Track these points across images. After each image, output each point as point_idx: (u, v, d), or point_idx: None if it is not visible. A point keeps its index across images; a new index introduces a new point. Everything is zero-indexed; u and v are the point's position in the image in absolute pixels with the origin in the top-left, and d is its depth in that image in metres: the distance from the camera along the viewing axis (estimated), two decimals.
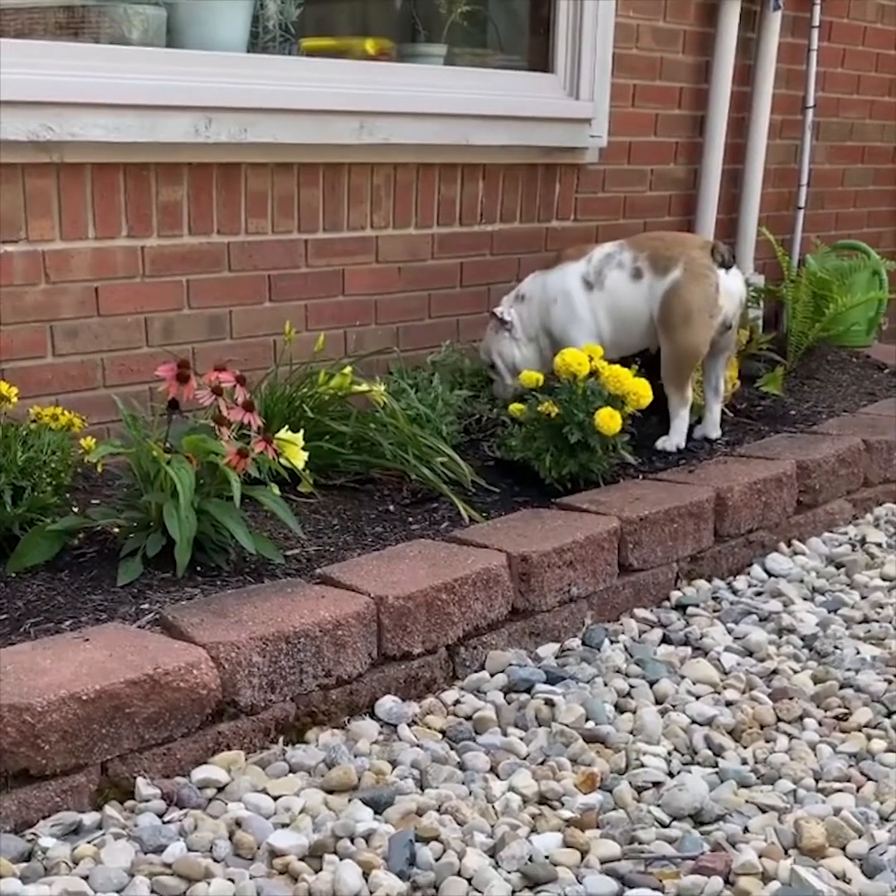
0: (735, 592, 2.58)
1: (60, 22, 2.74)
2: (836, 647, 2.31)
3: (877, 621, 2.44)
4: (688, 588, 2.56)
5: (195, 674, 1.76)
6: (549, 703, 2.03)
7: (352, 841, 1.62)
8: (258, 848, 1.61)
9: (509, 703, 2.06)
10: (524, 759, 1.90)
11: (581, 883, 1.58)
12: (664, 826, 1.73)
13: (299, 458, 2.24)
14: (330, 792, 1.76)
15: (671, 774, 1.87)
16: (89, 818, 1.66)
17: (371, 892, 1.53)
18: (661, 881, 1.59)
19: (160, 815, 1.68)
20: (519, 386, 2.90)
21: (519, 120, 3.32)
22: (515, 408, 2.77)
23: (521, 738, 1.95)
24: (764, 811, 1.77)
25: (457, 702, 2.06)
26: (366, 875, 1.55)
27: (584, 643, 2.30)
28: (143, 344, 2.73)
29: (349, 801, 1.73)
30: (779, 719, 2.04)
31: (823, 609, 2.49)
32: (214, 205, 2.79)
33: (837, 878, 1.62)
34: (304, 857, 1.60)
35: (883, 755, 1.93)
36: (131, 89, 2.55)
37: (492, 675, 2.14)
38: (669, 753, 1.93)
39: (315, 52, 3.19)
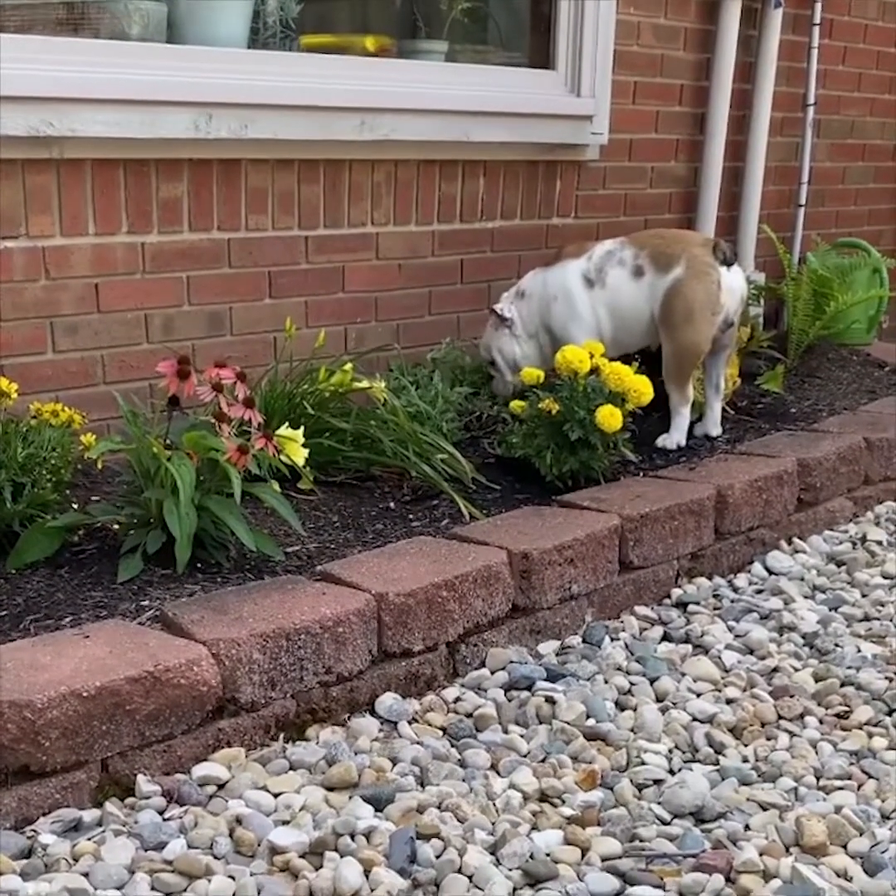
0: (736, 590, 2.58)
1: (61, 17, 2.73)
2: (836, 645, 2.31)
3: (877, 619, 2.44)
4: (688, 586, 2.56)
5: (195, 671, 1.76)
6: (550, 700, 2.03)
7: (352, 838, 1.62)
8: (259, 845, 1.61)
9: (510, 701, 2.06)
10: (525, 756, 1.90)
11: (582, 880, 1.58)
12: (665, 824, 1.72)
13: (300, 455, 2.24)
14: (330, 789, 1.76)
15: (672, 772, 1.87)
16: (89, 815, 1.65)
17: (372, 890, 1.53)
18: (662, 879, 1.58)
19: (160, 812, 1.67)
20: (519, 383, 2.90)
21: (520, 116, 3.31)
22: (516, 405, 2.77)
23: (522, 736, 1.95)
24: (765, 809, 1.76)
25: (457, 699, 2.06)
26: (366, 872, 1.55)
27: (584, 641, 2.30)
28: (143, 340, 2.73)
29: (350, 798, 1.73)
30: (780, 717, 2.04)
31: (824, 607, 2.49)
32: (215, 201, 2.79)
33: (839, 875, 1.61)
34: (304, 854, 1.59)
35: (884, 753, 1.93)
36: (132, 85, 2.55)
37: (492, 673, 2.14)
38: (670, 751, 1.93)
39: (315, 50, 3.18)
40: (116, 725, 1.68)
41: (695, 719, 2.02)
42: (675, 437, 2.96)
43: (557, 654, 2.24)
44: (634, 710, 2.04)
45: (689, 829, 1.70)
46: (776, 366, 3.61)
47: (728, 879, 1.59)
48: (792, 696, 2.09)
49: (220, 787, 1.75)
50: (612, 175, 3.68)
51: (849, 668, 2.21)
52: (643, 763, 1.87)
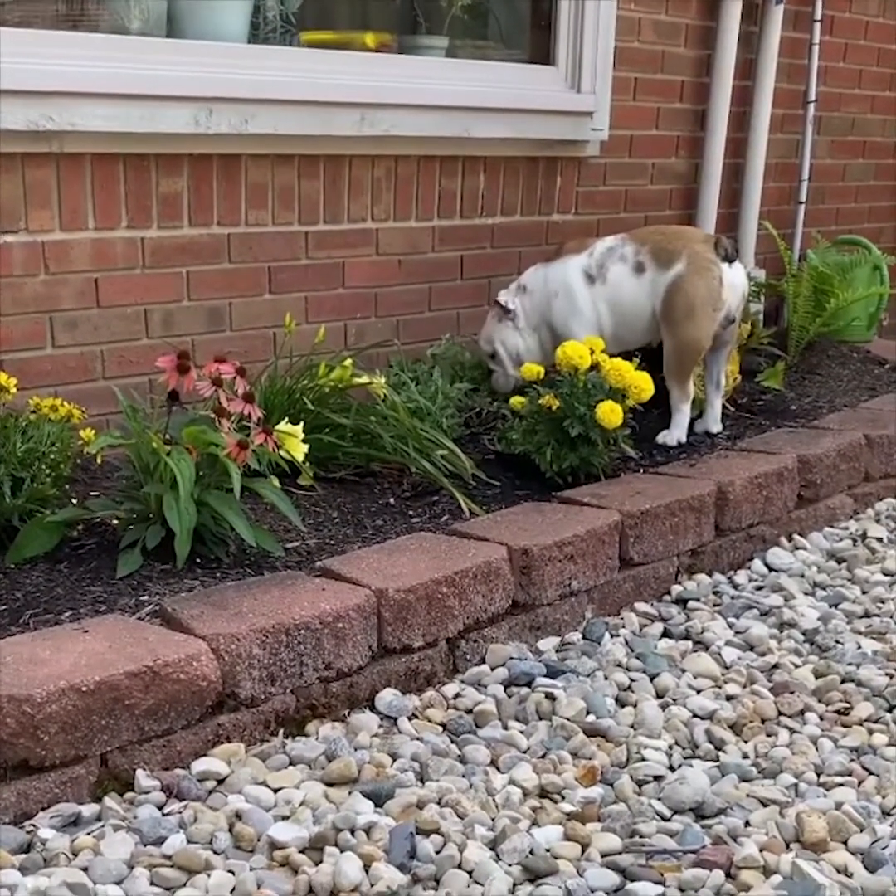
0: (736, 587, 2.58)
1: (61, 12, 2.73)
2: (837, 642, 2.31)
3: (878, 616, 2.44)
4: (688, 582, 2.56)
5: (195, 666, 1.75)
6: (550, 696, 2.03)
7: (352, 833, 1.61)
8: (258, 840, 1.61)
9: (510, 697, 2.06)
10: (525, 752, 1.89)
11: (582, 876, 1.58)
12: (665, 819, 1.72)
13: (299, 451, 2.23)
14: (330, 785, 1.76)
15: (672, 768, 1.87)
16: (88, 810, 1.65)
17: (372, 885, 1.52)
18: (662, 874, 1.58)
19: (160, 807, 1.67)
20: (521, 377, 2.90)
21: (520, 112, 3.31)
22: (516, 401, 2.77)
23: (522, 732, 1.95)
24: (765, 805, 1.76)
25: (457, 695, 2.06)
26: (366, 867, 1.55)
27: (584, 637, 2.30)
28: (142, 335, 2.72)
29: (349, 793, 1.73)
30: (780, 713, 2.04)
31: (824, 604, 2.49)
32: (215, 196, 2.79)
33: (839, 871, 1.61)
34: (304, 849, 1.59)
35: (884, 749, 1.93)
36: (132, 79, 2.54)
37: (492, 669, 2.14)
38: (670, 747, 1.93)
39: (316, 46, 3.17)
40: (116, 720, 1.68)
41: (695, 716, 2.02)
42: (675, 434, 2.95)
43: (557, 651, 2.24)
44: (634, 706, 2.04)
45: (689, 825, 1.69)
46: (776, 363, 3.61)
47: (728, 875, 1.59)
48: (792, 693, 2.09)
49: (220, 782, 1.75)
50: (613, 171, 3.68)
51: (849, 664, 2.21)
52: (643, 759, 1.87)
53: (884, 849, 1.65)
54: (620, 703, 2.06)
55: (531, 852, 1.62)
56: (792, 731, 1.99)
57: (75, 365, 2.63)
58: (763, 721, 2.02)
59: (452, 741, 1.92)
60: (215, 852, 1.58)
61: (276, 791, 1.73)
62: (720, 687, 2.13)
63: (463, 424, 2.93)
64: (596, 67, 3.48)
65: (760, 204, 4.10)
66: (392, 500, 2.53)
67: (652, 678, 2.14)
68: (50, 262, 2.55)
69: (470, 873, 1.57)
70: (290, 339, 2.73)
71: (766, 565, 2.68)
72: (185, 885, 1.52)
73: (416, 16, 3.63)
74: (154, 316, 2.74)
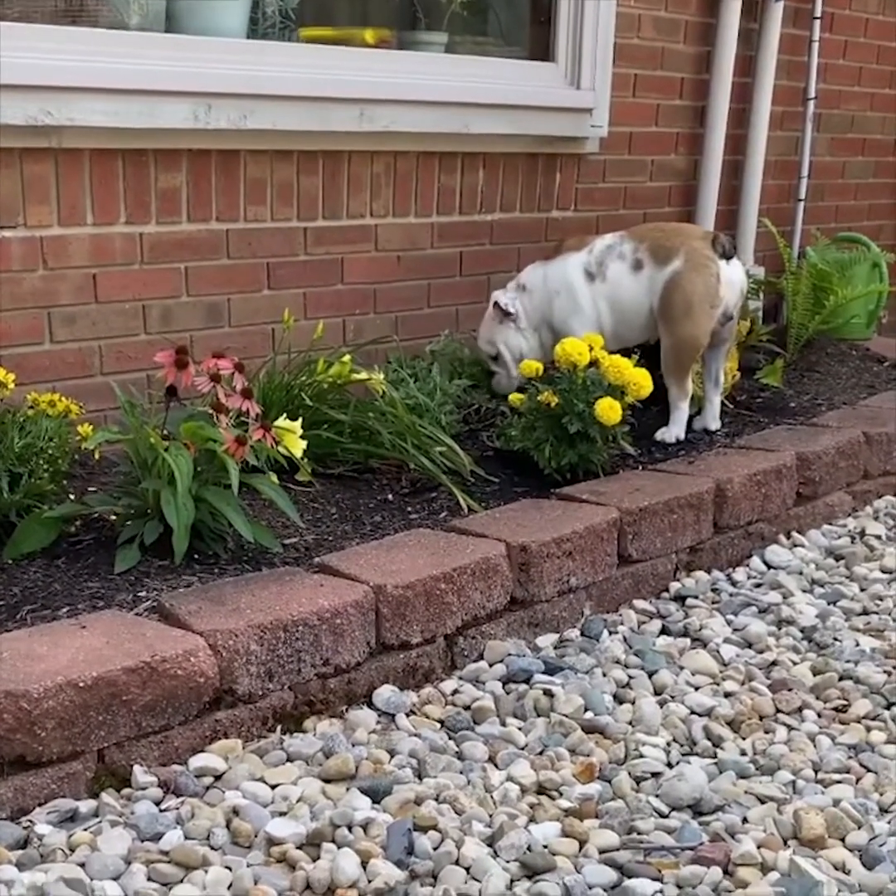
0: (734, 584, 2.58)
1: (60, 7, 2.72)
2: (835, 639, 2.30)
3: (876, 613, 2.44)
4: (687, 579, 2.56)
5: (192, 661, 1.75)
6: (548, 693, 2.03)
7: (350, 830, 1.61)
8: (256, 836, 1.61)
9: (508, 694, 2.05)
10: (523, 749, 1.89)
11: (580, 872, 1.58)
12: (663, 816, 1.72)
13: (298, 447, 2.23)
14: (327, 781, 1.75)
15: (670, 765, 1.86)
16: (85, 805, 1.65)
17: (369, 881, 1.52)
18: (659, 871, 1.58)
19: (157, 803, 1.67)
20: (523, 378, 2.89)
21: (519, 109, 3.31)
22: (515, 398, 2.76)
23: (520, 728, 1.95)
24: (763, 802, 1.76)
25: (455, 692, 2.05)
26: (364, 864, 1.55)
27: (582, 634, 2.30)
28: (140, 331, 2.72)
29: (347, 790, 1.73)
30: (778, 710, 2.04)
31: (823, 601, 2.49)
32: (213, 192, 2.78)
33: (837, 868, 1.61)
34: (301, 845, 1.59)
35: (882, 747, 1.93)
36: (131, 74, 2.54)
37: (490, 665, 2.13)
38: (668, 744, 1.92)
39: (314, 42, 3.16)
40: (113, 716, 1.68)
41: (693, 712, 2.02)
42: (673, 431, 2.95)
43: (555, 647, 2.24)
44: (632, 703, 2.04)
45: (687, 822, 1.69)
46: (775, 360, 3.60)
47: (726, 872, 1.59)
48: (790, 690, 2.09)
49: (217, 778, 1.74)
50: (612, 168, 3.67)
51: (847, 661, 2.21)
52: (641, 756, 1.87)
53: (881, 846, 1.65)
54: (619, 699, 2.06)
55: (529, 849, 1.61)
56: (790, 728, 1.99)
57: (73, 360, 2.62)
58: (761, 718, 2.02)
59: (450, 738, 1.91)
60: (213, 848, 1.58)
61: (273, 787, 1.72)
62: (718, 684, 2.13)
63: (461, 421, 2.93)
64: (595, 64, 3.47)
65: (760, 201, 4.10)
66: (390, 497, 2.53)
67: (650, 675, 2.13)
68: (48, 257, 2.54)
69: (467, 869, 1.56)
70: (289, 335, 2.72)
71: (765, 563, 2.68)
72: (182, 881, 1.52)
73: (415, 12, 3.62)
74: (152, 311, 2.73)
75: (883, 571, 2.65)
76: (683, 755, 1.90)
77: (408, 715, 1.96)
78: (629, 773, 1.82)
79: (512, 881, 1.56)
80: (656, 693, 2.09)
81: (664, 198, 3.88)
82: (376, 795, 1.71)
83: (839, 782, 1.82)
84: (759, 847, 1.63)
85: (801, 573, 2.62)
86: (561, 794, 1.76)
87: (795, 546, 2.77)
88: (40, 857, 1.54)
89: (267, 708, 1.87)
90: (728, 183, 4.01)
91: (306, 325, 2.91)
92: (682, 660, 2.21)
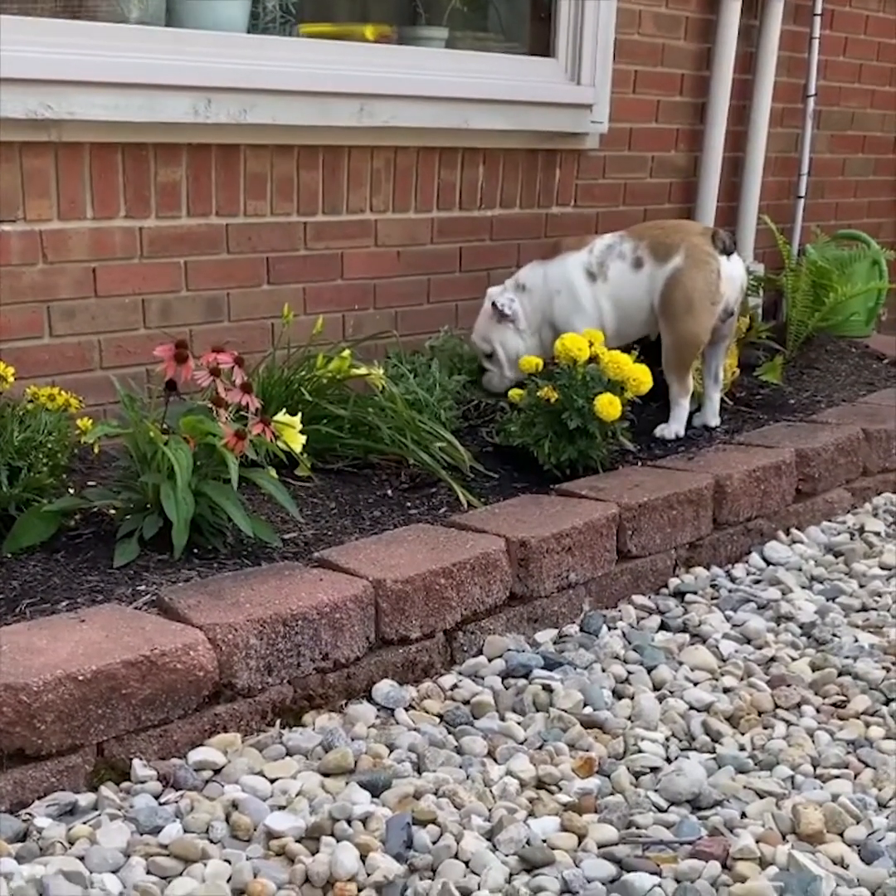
0: (733, 580, 2.58)
1: (60, 0, 2.71)
2: (834, 635, 2.31)
3: (875, 609, 2.44)
4: (686, 575, 2.56)
5: (192, 655, 1.75)
6: (547, 688, 2.03)
7: (349, 823, 1.61)
8: (255, 830, 1.61)
9: (507, 688, 2.06)
10: (522, 743, 1.89)
11: (578, 866, 1.58)
12: (662, 811, 1.72)
13: (297, 442, 2.23)
14: (327, 775, 1.75)
15: (669, 760, 1.87)
16: (85, 799, 1.65)
17: (368, 875, 1.52)
18: (658, 865, 1.58)
19: (156, 797, 1.67)
20: (517, 378, 2.88)
21: (520, 104, 3.30)
22: (514, 393, 2.76)
23: (519, 723, 1.95)
24: (762, 797, 1.76)
25: (454, 686, 2.05)
26: (363, 857, 1.55)
27: (582, 629, 2.30)
28: (140, 325, 2.72)
29: (346, 784, 1.73)
30: (777, 706, 2.04)
31: (822, 597, 2.49)
32: (213, 186, 2.78)
33: (835, 863, 1.62)
34: (301, 839, 1.59)
35: (881, 742, 1.93)
36: (131, 68, 2.53)
37: (490, 660, 2.13)
38: (667, 739, 1.92)
39: (315, 37, 3.16)
40: (112, 709, 1.68)
41: (692, 708, 2.02)
42: (673, 427, 2.95)
43: (555, 643, 2.24)
44: (631, 698, 2.04)
45: (686, 817, 1.70)
46: (775, 357, 3.60)
47: (724, 866, 1.59)
48: (789, 686, 2.09)
49: (217, 771, 1.75)
50: (612, 164, 3.67)
51: (846, 657, 2.21)
52: (640, 751, 1.87)
53: (880, 841, 1.65)
54: (617, 695, 2.06)
55: (528, 843, 1.61)
56: (789, 723, 1.99)
57: (73, 354, 2.62)
58: (760, 713, 2.02)
59: (449, 732, 1.92)
60: (212, 842, 1.58)
61: (272, 781, 1.72)
62: (717, 679, 2.13)
63: (461, 416, 2.93)
64: (596, 60, 3.47)
65: (760, 198, 4.10)
66: (390, 492, 2.53)
67: (649, 670, 2.14)
68: (48, 251, 2.54)
69: (466, 863, 1.56)
70: (289, 329, 2.72)
71: (764, 559, 2.68)
72: (181, 874, 1.52)
73: (415, 7, 3.62)
74: (152, 306, 2.73)
75: (882, 568, 2.65)
76: (682, 750, 1.90)
77: (407, 709, 1.97)
78: (628, 768, 1.82)
79: (511, 875, 1.56)
80: (655, 688, 2.09)
81: (664, 194, 3.88)
82: (375, 789, 1.71)
83: (838, 777, 1.82)
84: (757, 842, 1.63)
85: (800, 569, 2.62)
86: (560, 789, 1.76)
87: (794, 542, 2.77)
88: (40, 850, 1.54)
89: (266, 702, 1.87)
90: (728, 179, 4.01)
91: (306, 319, 2.91)
92: (681, 655, 2.21)
